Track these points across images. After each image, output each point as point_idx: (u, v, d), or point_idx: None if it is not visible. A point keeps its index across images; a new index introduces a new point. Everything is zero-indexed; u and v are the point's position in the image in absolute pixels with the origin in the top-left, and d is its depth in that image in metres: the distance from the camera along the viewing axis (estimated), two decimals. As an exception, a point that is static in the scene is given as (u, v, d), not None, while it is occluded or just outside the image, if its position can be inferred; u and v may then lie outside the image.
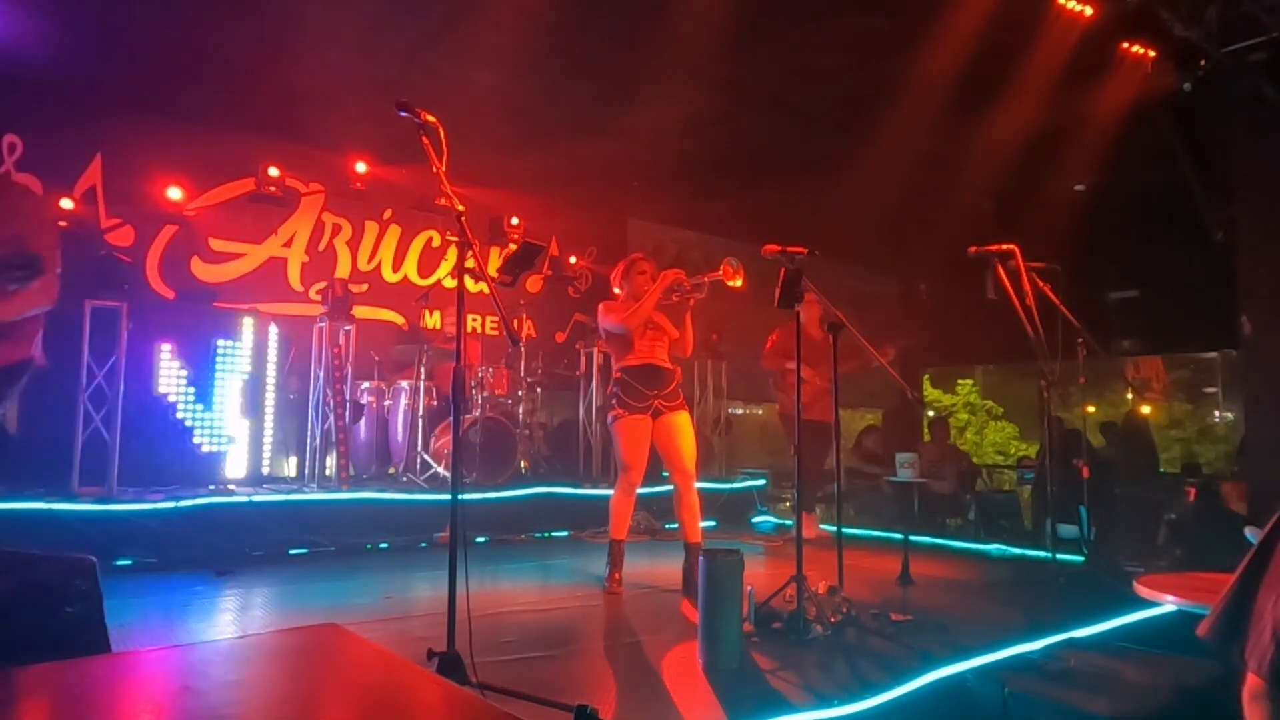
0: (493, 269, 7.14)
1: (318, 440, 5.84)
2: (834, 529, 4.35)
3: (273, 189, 6.61)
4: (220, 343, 5.80)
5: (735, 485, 7.17)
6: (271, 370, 6.03)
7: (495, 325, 8.02)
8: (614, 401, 4.18)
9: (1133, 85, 6.46)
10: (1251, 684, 1.59)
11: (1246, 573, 1.66)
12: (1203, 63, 5.97)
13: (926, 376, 15.40)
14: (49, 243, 2.95)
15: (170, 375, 5.59)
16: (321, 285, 6.80)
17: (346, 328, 5.96)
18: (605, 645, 3.33)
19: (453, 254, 7.71)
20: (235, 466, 5.75)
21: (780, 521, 6.90)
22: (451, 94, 6.13)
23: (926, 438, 10.52)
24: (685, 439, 4.18)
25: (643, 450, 4.15)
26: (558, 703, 2.22)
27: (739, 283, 3.97)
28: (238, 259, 6.80)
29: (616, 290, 4.44)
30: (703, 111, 6.80)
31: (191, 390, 5.66)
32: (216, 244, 6.71)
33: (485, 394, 6.26)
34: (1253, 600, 1.61)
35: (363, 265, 7.55)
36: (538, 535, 5.92)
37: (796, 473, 3.95)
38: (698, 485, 4.28)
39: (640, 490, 4.36)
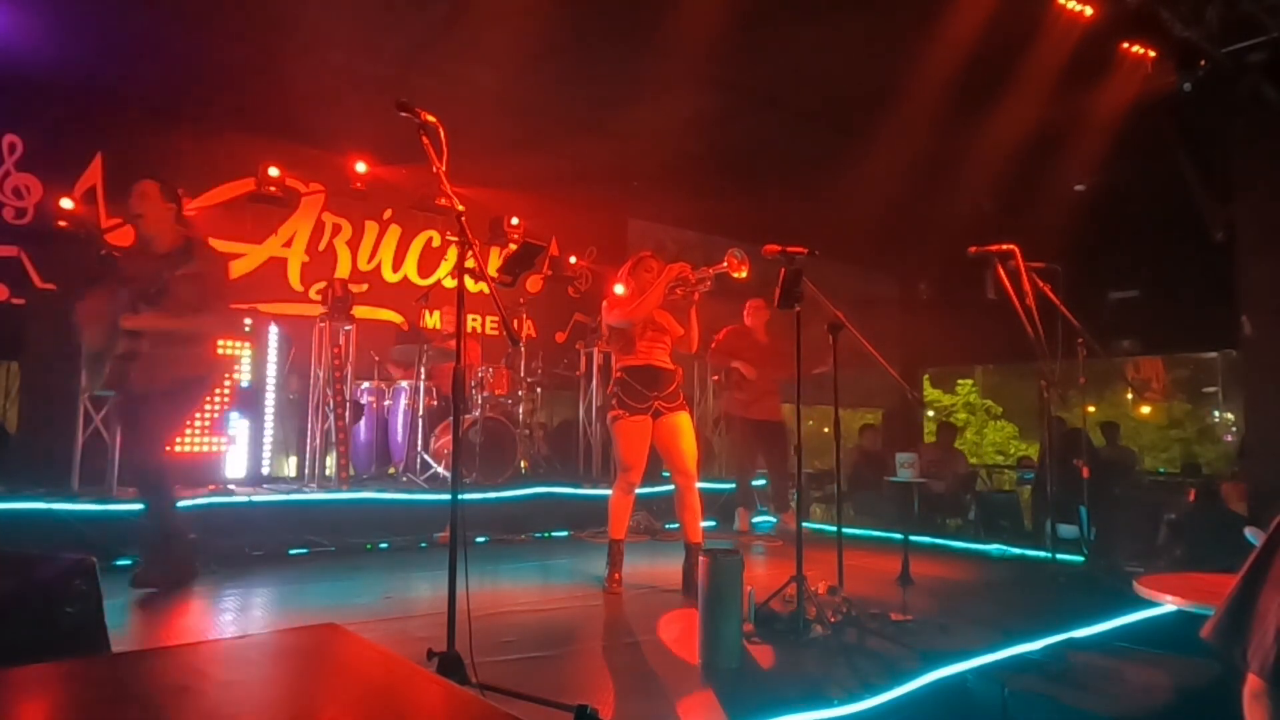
0: (493, 269, 7.14)
1: (318, 440, 5.83)
2: (834, 529, 4.35)
3: (273, 189, 6.61)
4: (220, 343, 5.79)
5: (735, 485, 7.15)
6: (271, 370, 6.02)
7: (495, 325, 8.02)
8: (614, 401, 4.18)
9: (1133, 85, 6.48)
10: (1252, 684, 1.59)
11: (1249, 574, 1.65)
12: (1203, 63, 5.98)
13: (926, 376, 15.41)
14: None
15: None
16: (321, 285, 6.81)
17: (346, 328, 5.96)
18: (605, 645, 3.32)
19: (453, 254, 7.71)
20: (235, 466, 5.74)
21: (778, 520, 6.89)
22: (451, 94, 6.14)
23: (931, 438, 10.52)
24: (686, 440, 4.18)
25: (642, 451, 4.14)
26: (558, 703, 2.22)
27: (744, 274, 3.91)
28: (237, 259, 6.79)
29: (618, 288, 4.43)
30: (703, 111, 6.80)
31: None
32: (216, 244, 6.68)
33: (485, 394, 6.26)
34: (1255, 601, 1.61)
35: (363, 265, 7.56)
36: (538, 535, 5.92)
37: (798, 473, 3.95)
38: (698, 485, 4.28)
39: (640, 490, 4.35)
